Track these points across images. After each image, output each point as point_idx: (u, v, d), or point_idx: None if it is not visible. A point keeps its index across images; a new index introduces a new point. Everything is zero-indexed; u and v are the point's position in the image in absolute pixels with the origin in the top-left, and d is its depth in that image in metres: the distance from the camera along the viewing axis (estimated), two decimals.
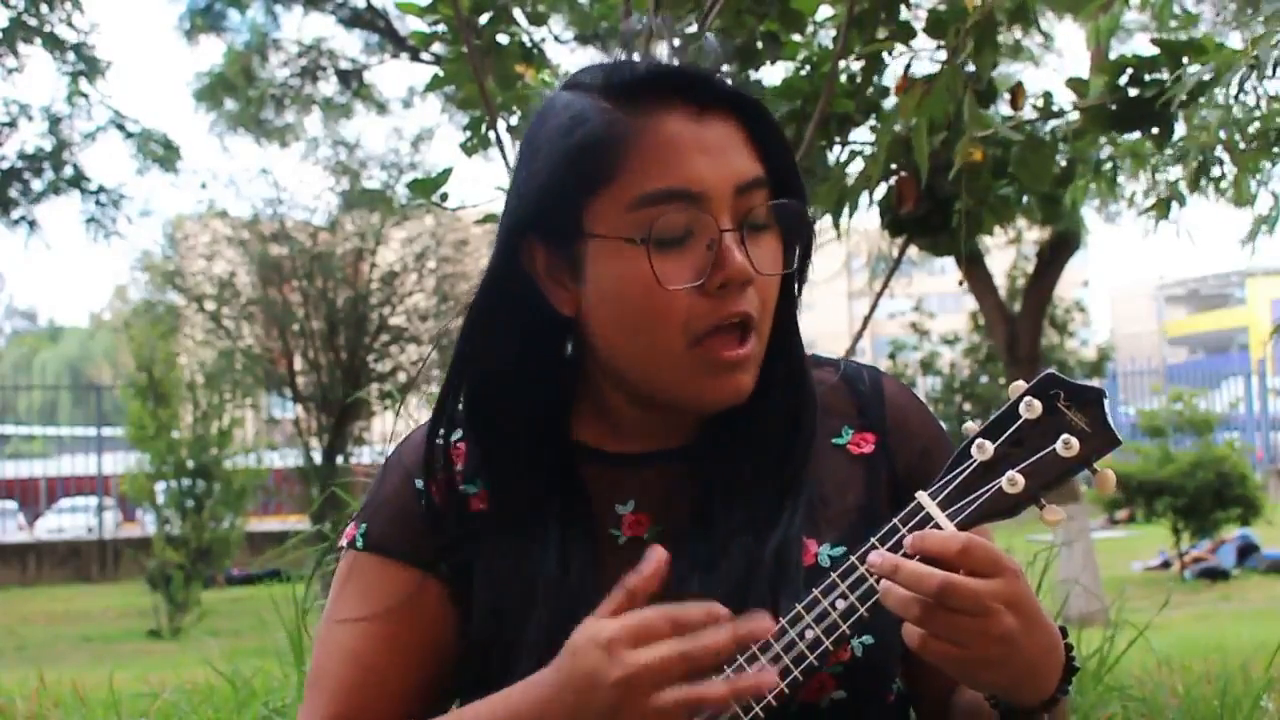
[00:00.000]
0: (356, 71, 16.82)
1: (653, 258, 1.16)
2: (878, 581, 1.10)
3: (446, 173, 2.79)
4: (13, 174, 15.09)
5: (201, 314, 16.00)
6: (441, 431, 1.29)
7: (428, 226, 15.57)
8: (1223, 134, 2.82)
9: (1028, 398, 1.14)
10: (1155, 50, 3.04)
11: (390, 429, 1.34)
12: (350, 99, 16.96)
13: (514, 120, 3.14)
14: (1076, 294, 23.01)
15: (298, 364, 15.55)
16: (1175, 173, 3.08)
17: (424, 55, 14.54)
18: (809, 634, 1.11)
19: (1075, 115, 3.18)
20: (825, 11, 3.14)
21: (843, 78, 3.08)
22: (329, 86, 16.81)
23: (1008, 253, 16.53)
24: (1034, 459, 1.13)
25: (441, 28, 3.09)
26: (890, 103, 3.17)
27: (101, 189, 15.50)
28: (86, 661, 8.90)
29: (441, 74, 3.19)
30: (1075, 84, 3.17)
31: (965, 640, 1.07)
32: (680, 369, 1.20)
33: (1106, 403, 1.14)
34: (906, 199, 3.16)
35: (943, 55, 2.87)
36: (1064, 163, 3.32)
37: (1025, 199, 3.34)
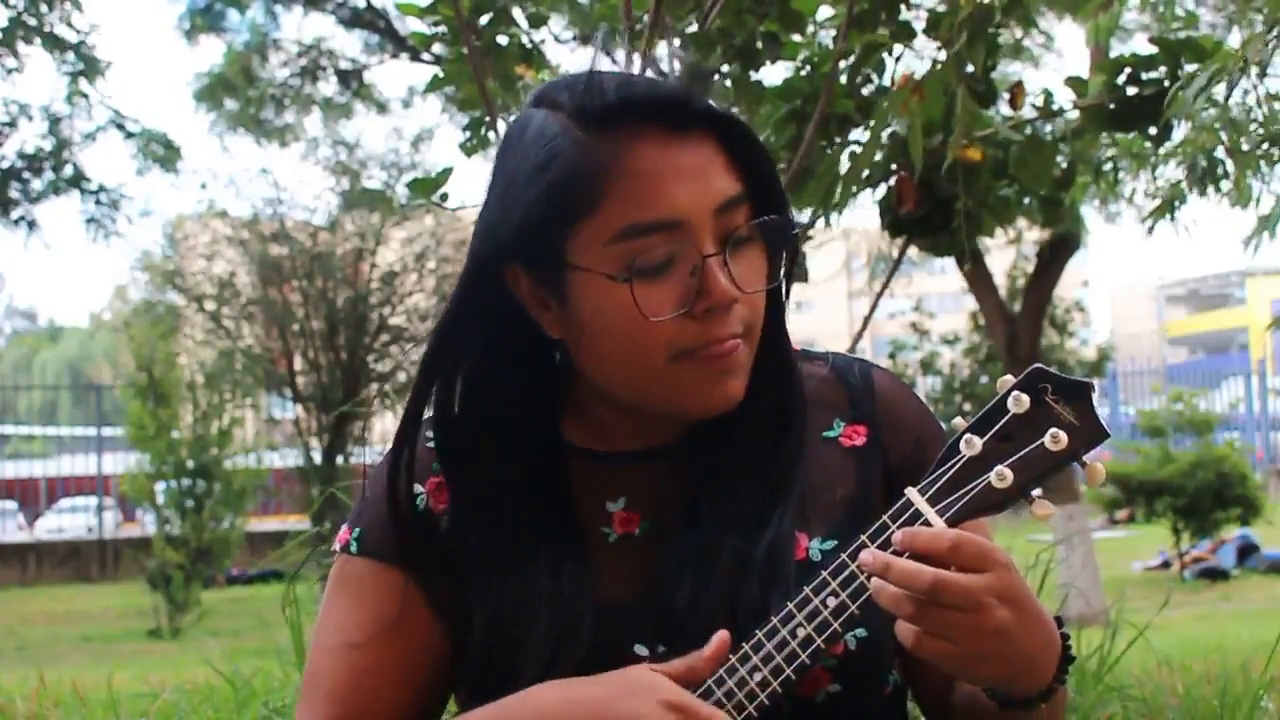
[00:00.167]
0: (356, 71, 16.83)
1: (636, 289, 1.16)
2: (869, 579, 1.10)
3: (446, 173, 2.78)
4: (13, 174, 15.09)
5: (201, 314, 16.04)
6: (424, 433, 1.29)
7: (428, 226, 15.59)
8: (1223, 135, 2.82)
9: (1015, 392, 1.14)
10: (1154, 49, 3.04)
11: (390, 429, 1.34)
12: (350, 99, 16.97)
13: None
14: (1076, 294, 22.98)
15: (298, 364, 15.58)
16: (1176, 173, 3.07)
17: (424, 55, 14.55)
18: (800, 632, 1.11)
19: (1075, 115, 3.18)
20: (825, 11, 3.14)
21: (843, 78, 3.08)
22: (329, 86, 16.84)
23: (1008, 253, 16.53)
24: (1022, 453, 1.13)
25: (441, 28, 3.09)
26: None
27: (101, 189, 15.50)
28: (86, 661, 8.91)
29: (441, 74, 3.19)
30: (1074, 83, 3.17)
31: (959, 636, 1.07)
32: (668, 383, 1.20)
33: (1094, 396, 1.14)
34: (906, 199, 3.15)
35: (942, 55, 2.87)
36: (1064, 163, 3.32)
37: (1026, 200, 3.33)
